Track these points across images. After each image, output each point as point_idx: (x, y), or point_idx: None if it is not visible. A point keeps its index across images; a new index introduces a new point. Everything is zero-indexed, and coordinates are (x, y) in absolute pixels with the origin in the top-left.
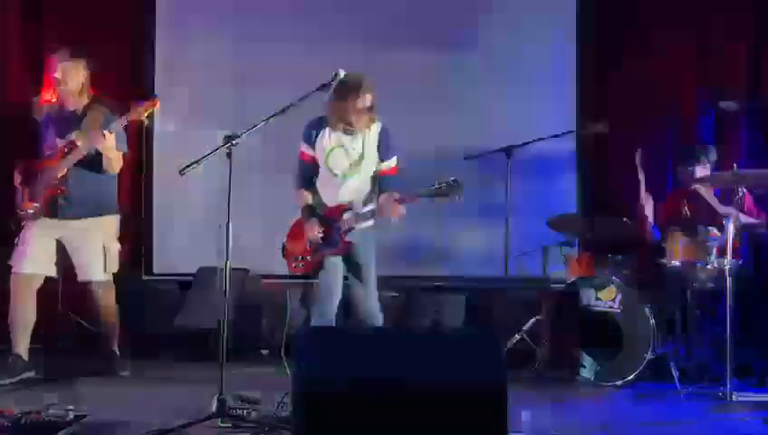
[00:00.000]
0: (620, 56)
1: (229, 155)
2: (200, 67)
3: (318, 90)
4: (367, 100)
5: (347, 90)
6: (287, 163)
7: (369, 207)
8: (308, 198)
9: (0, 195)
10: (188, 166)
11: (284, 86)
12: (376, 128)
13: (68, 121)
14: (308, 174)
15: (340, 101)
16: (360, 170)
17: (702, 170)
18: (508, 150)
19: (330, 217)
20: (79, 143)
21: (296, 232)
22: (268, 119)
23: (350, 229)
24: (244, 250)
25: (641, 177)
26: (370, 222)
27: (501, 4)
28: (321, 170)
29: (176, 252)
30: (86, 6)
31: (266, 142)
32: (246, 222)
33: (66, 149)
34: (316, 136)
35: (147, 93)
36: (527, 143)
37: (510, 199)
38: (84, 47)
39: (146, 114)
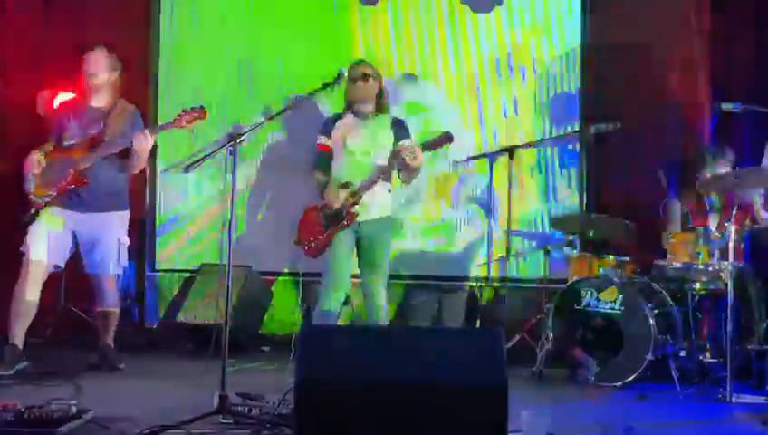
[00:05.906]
0: (623, 56)
1: (233, 152)
2: (205, 64)
3: (322, 88)
4: (369, 82)
5: (351, 76)
6: (291, 161)
7: (374, 173)
8: (321, 176)
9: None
10: (193, 163)
11: (288, 84)
12: (388, 117)
13: (93, 117)
14: (323, 162)
15: (348, 85)
16: (374, 148)
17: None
18: (511, 151)
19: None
20: (106, 138)
21: (305, 222)
22: (272, 117)
23: (354, 203)
24: (246, 247)
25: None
26: (383, 187)
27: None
28: (342, 155)
29: (178, 248)
30: (90, 4)
31: (271, 140)
32: (249, 219)
33: (94, 142)
34: (333, 126)
35: (151, 93)
36: (530, 144)
37: (512, 199)
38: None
39: (190, 124)
